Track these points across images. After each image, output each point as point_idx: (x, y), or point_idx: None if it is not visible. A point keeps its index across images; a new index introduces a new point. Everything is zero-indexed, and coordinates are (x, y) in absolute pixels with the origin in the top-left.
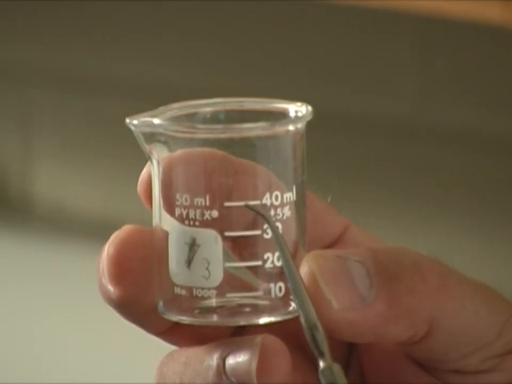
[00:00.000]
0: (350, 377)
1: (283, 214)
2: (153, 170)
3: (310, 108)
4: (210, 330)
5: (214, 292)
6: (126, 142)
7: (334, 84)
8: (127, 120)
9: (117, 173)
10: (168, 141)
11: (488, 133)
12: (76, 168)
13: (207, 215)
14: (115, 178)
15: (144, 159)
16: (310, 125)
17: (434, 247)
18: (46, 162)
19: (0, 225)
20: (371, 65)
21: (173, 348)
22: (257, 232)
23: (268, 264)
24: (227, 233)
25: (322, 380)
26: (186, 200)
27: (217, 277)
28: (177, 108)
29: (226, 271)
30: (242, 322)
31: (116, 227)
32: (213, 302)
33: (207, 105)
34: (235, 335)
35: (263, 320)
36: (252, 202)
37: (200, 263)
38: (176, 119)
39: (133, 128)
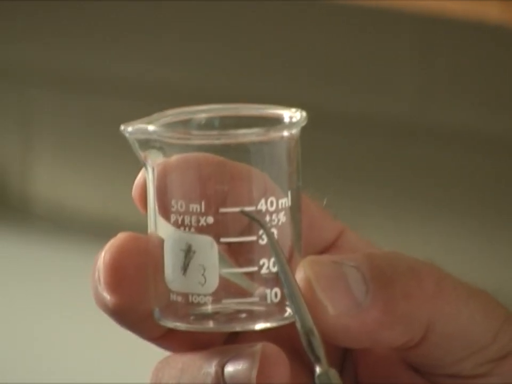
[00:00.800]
0: (345, 382)
1: (278, 220)
2: (148, 177)
3: (304, 113)
4: (205, 336)
5: (210, 298)
6: (126, 142)
7: (333, 84)
8: (122, 127)
9: (117, 173)
10: (163, 147)
11: (488, 133)
12: (75, 168)
13: (202, 221)
14: (115, 178)
15: None
16: (309, 124)
17: (434, 247)
18: (45, 162)
19: (0, 225)
20: (371, 65)
21: (167, 352)
22: (253, 238)
23: (264, 270)
24: (223, 239)
25: None
26: (181, 206)
27: (213, 283)
28: (172, 115)
29: (222, 277)
30: (238, 328)
31: (116, 227)
32: (209, 308)
33: (202, 112)
34: (229, 341)
35: (259, 326)
36: (247, 208)
37: (196, 269)
38: (171, 126)
39: (127, 135)
